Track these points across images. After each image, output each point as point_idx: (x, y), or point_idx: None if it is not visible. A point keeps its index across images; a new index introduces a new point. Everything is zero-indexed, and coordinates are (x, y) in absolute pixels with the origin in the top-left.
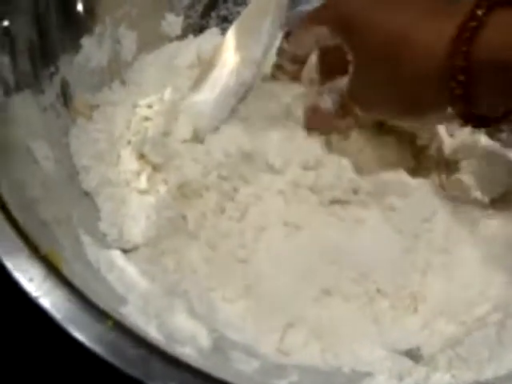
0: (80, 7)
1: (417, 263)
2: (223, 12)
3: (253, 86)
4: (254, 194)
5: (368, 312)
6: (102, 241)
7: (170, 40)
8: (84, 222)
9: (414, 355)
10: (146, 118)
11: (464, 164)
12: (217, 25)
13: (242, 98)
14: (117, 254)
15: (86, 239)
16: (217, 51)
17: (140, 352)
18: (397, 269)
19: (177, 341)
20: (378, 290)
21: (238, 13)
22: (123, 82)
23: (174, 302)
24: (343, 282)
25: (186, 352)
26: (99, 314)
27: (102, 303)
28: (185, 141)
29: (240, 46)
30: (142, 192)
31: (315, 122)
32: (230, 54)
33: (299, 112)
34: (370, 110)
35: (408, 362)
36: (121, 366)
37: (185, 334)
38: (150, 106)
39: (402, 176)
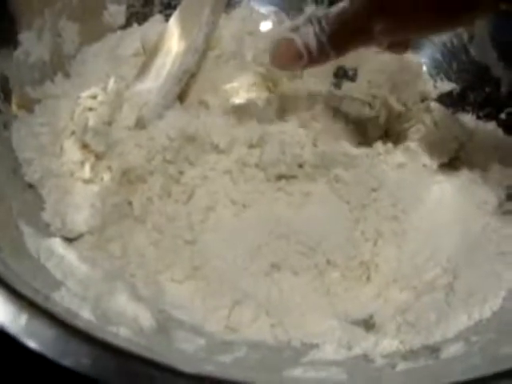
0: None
1: (366, 233)
2: None
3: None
4: (199, 175)
5: (319, 284)
6: (44, 231)
7: (114, 30)
8: (26, 213)
9: (366, 325)
10: (90, 109)
11: (412, 131)
12: (160, 11)
13: (183, 84)
14: (57, 242)
15: (27, 230)
16: (160, 39)
17: (53, 332)
18: (346, 239)
19: (111, 322)
20: (329, 262)
21: None
22: (66, 75)
23: (116, 285)
24: (292, 255)
25: (120, 332)
26: (14, 295)
27: (32, 289)
28: (128, 128)
29: (183, 34)
30: (87, 181)
31: (284, 59)
32: (173, 41)
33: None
34: (403, 22)
35: (359, 331)
36: (34, 347)
37: (123, 316)
38: (93, 97)
39: (346, 147)
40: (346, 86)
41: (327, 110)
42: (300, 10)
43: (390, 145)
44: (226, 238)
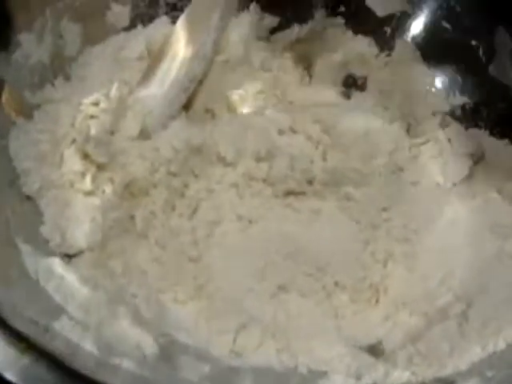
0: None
1: (376, 254)
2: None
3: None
4: (205, 188)
5: (326, 307)
6: (43, 248)
7: (117, 32)
8: (23, 228)
9: (375, 350)
10: (92, 116)
11: (425, 147)
12: (166, 13)
13: (189, 92)
14: (57, 262)
15: (25, 248)
16: (166, 43)
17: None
18: (356, 261)
19: (113, 353)
20: (337, 284)
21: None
22: (67, 78)
23: (118, 309)
24: (300, 277)
25: (123, 364)
26: (13, 336)
27: (30, 321)
28: (132, 138)
29: (190, 40)
30: (87, 193)
31: None
32: (179, 46)
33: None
34: None
35: (368, 359)
36: None
37: (126, 343)
38: (95, 104)
39: (357, 163)
40: (356, 95)
41: (337, 122)
42: (310, 15)
43: (401, 161)
44: (232, 255)
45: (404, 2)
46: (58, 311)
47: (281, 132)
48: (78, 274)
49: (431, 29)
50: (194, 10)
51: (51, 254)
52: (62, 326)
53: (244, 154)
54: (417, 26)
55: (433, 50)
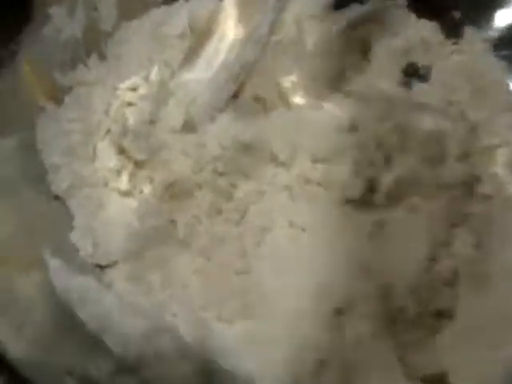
0: None
1: (444, 274)
2: None
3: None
4: (254, 190)
5: (388, 334)
6: (74, 260)
7: (157, 4)
8: (51, 234)
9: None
10: (129, 104)
11: (499, 153)
12: None
13: (240, 81)
14: (91, 282)
15: (53, 263)
16: (212, 19)
17: None
18: (421, 281)
19: None
20: (401, 309)
21: None
22: (102, 57)
23: (159, 340)
24: (360, 299)
25: None
26: None
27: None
28: (174, 130)
29: (243, 18)
30: (123, 193)
31: None
32: (228, 25)
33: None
34: None
35: None
36: None
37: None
38: (133, 89)
39: (425, 172)
40: (418, 86)
41: (402, 120)
42: None
43: (472, 169)
44: (283, 268)
45: None
46: (93, 348)
47: (341, 129)
48: (115, 293)
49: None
50: None
51: (84, 268)
52: (97, 367)
53: (299, 154)
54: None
55: (506, 40)
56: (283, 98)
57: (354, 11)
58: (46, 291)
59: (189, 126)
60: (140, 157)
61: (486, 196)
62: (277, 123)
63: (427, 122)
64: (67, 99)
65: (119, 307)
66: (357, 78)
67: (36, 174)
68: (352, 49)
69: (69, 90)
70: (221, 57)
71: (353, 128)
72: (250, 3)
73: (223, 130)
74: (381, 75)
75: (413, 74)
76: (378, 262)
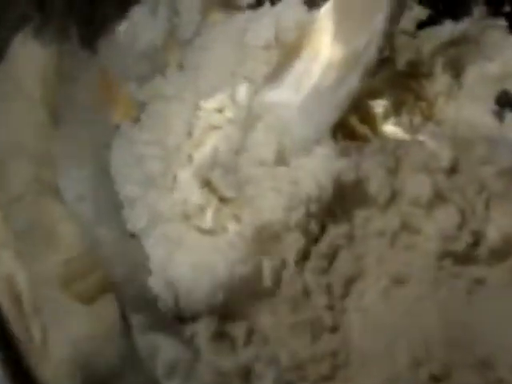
0: None
1: None
2: None
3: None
4: (345, 233)
5: None
6: (154, 315)
7: (242, 9)
8: (130, 283)
9: None
10: (214, 127)
11: None
12: None
13: (343, 110)
14: (178, 345)
15: (136, 318)
16: (303, 33)
17: None
18: None
19: None
20: (501, 381)
21: None
22: (180, 67)
23: None
24: (458, 368)
25: None
26: None
27: None
28: (264, 163)
29: (341, 36)
30: (206, 232)
31: None
32: (324, 42)
33: None
34: None
35: None
36: None
37: None
38: (219, 110)
39: None
40: (510, 118)
41: (502, 163)
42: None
43: None
44: (375, 326)
45: None
46: None
47: (443, 171)
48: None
49: None
50: None
51: (167, 326)
52: None
53: (398, 197)
54: None
55: None
56: (374, 126)
57: (448, 29)
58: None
59: (281, 159)
60: (229, 194)
61: None
62: (375, 160)
63: None
64: (143, 117)
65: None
66: (447, 104)
67: (111, 207)
68: (444, 71)
69: (143, 106)
70: (313, 79)
71: (455, 170)
72: (353, 18)
73: (320, 166)
74: (472, 103)
75: (506, 103)
76: (477, 324)
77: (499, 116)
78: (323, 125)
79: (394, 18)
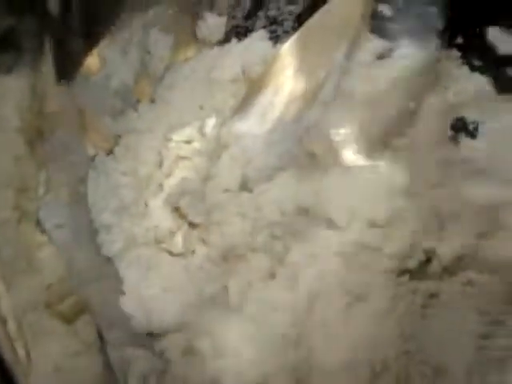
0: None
1: (494, 354)
2: (272, 12)
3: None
4: (308, 253)
5: None
6: (127, 332)
7: (210, 45)
8: (104, 302)
9: None
10: (183, 157)
11: None
12: (264, 27)
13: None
14: (150, 359)
15: (110, 335)
16: (268, 68)
17: None
18: (471, 359)
19: None
20: None
21: (290, 13)
22: (152, 102)
23: None
24: (414, 378)
25: None
26: None
27: None
28: (229, 190)
29: (302, 72)
30: (176, 255)
31: None
32: (286, 76)
33: None
34: None
35: None
36: None
37: None
38: (188, 142)
39: (484, 247)
40: (465, 142)
41: (457, 188)
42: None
43: None
44: (335, 341)
45: None
46: None
47: (398, 193)
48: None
49: None
50: (309, 34)
51: (139, 341)
52: None
53: (356, 218)
54: None
55: None
56: (335, 154)
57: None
58: None
59: (245, 186)
60: (197, 220)
61: None
62: (334, 186)
63: (480, 193)
64: (117, 149)
65: None
66: (406, 131)
67: (89, 235)
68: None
69: (118, 138)
70: (276, 113)
71: (409, 193)
72: (313, 55)
73: (281, 193)
74: (430, 129)
75: (461, 128)
76: (432, 337)
77: (454, 140)
78: (286, 154)
79: (354, 49)
